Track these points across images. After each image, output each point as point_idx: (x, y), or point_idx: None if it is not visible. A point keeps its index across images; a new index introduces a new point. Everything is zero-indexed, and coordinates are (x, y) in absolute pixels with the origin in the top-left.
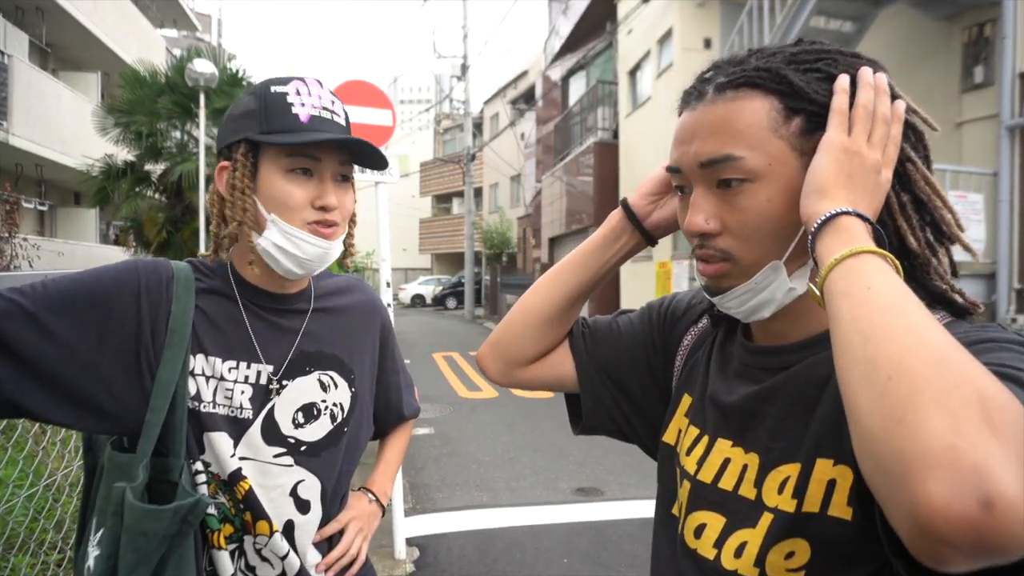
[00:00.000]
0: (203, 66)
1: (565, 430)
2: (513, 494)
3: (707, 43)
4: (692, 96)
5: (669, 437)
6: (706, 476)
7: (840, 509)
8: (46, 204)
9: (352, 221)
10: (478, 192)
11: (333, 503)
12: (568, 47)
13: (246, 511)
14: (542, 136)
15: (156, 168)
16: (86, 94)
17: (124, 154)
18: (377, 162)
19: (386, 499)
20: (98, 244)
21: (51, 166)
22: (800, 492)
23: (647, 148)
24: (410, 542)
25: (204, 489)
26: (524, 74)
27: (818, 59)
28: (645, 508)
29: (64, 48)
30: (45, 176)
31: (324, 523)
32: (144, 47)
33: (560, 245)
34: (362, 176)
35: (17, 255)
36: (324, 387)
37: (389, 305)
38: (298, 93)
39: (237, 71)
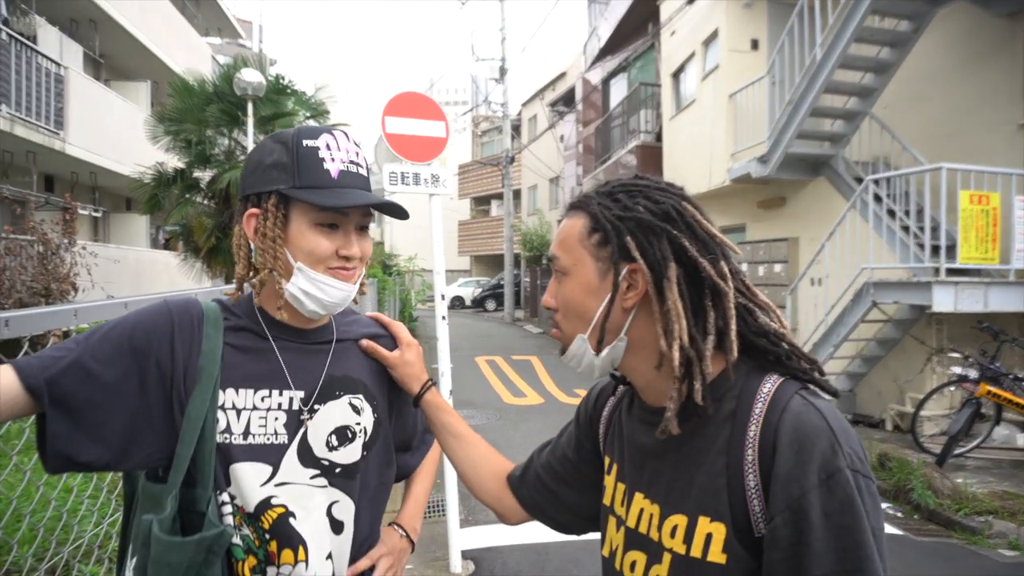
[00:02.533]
0: (251, 75)
1: None
2: None
3: (754, 44)
4: (566, 210)
5: (606, 499)
6: (631, 523)
7: (716, 555)
8: (100, 210)
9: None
10: (516, 194)
11: (365, 526)
12: (608, 49)
13: (271, 540)
14: (582, 138)
15: (204, 175)
16: (136, 103)
17: (174, 161)
18: (399, 214)
19: (416, 535)
20: (149, 249)
21: (104, 173)
22: (688, 540)
23: (691, 151)
24: (465, 555)
25: (230, 520)
26: (563, 76)
27: (629, 191)
28: None
29: (116, 58)
30: (99, 183)
31: (356, 544)
32: (191, 55)
33: None
34: (416, 189)
35: (76, 263)
36: (356, 410)
37: (444, 318)
38: (328, 148)
39: (280, 78)
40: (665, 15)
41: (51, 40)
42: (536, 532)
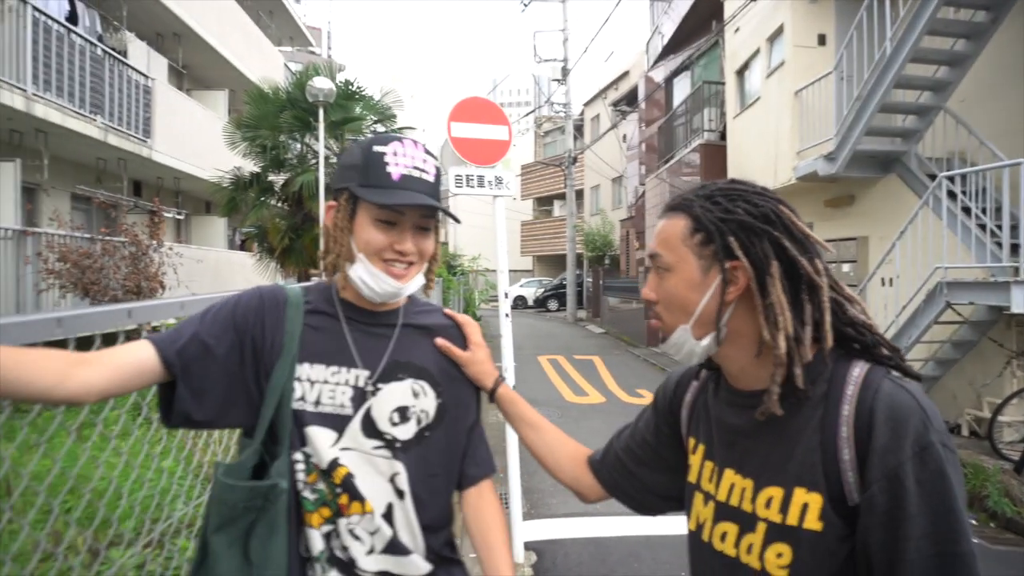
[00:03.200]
0: (322, 83)
1: None
2: None
3: (821, 39)
4: (662, 212)
5: (692, 476)
6: (722, 496)
7: (812, 523)
8: (182, 213)
9: (433, 259)
10: (579, 194)
11: (426, 497)
12: (671, 47)
13: (342, 494)
14: (645, 138)
15: (278, 179)
16: (215, 111)
17: (250, 166)
18: (449, 216)
19: None
20: (227, 250)
21: (186, 178)
22: (784, 510)
23: (757, 149)
24: (528, 546)
25: (303, 476)
26: (625, 75)
27: (729, 195)
28: None
29: (196, 69)
30: (181, 187)
31: (420, 512)
32: (265, 64)
33: None
34: (480, 191)
35: (163, 262)
36: (415, 394)
37: (507, 316)
38: (394, 154)
39: (349, 84)
40: (729, 12)
41: (139, 54)
42: (598, 526)
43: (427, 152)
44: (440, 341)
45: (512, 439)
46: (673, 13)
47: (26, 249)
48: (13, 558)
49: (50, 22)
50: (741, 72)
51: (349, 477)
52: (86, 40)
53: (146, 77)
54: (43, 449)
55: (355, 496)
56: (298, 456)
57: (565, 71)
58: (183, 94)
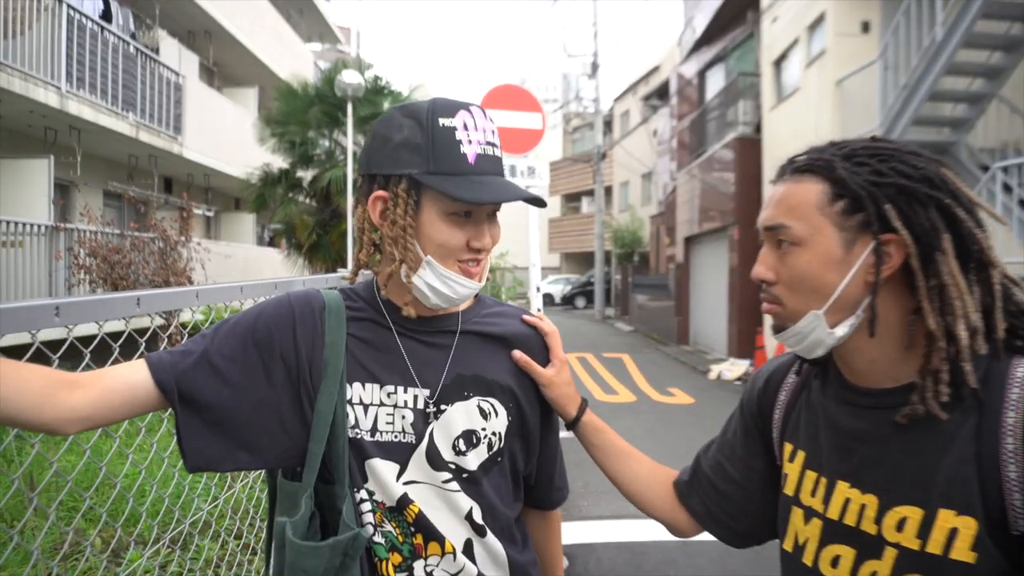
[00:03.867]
0: (351, 77)
1: (709, 438)
2: None
3: (865, 27)
4: (779, 173)
5: (788, 488)
6: (833, 513)
7: (962, 553)
8: (212, 210)
9: None
10: (608, 190)
11: (505, 530)
12: (705, 40)
13: (416, 534)
14: (676, 132)
15: (306, 175)
16: (245, 108)
17: (279, 162)
18: (539, 204)
19: None
20: (255, 246)
21: (216, 175)
22: (923, 534)
23: (795, 142)
24: None
25: (370, 517)
26: (656, 69)
27: (875, 156)
28: None
29: (227, 66)
30: (211, 184)
31: (502, 543)
32: (295, 62)
33: (698, 245)
34: (512, 180)
35: (192, 258)
36: (484, 414)
37: (539, 309)
38: (465, 128)
39: (378, 79)
40: (766, 1)
41: (171, 51)
42: (631, 530)
43: (490, 119)
44: (518, 355)
45: None
46: (706, 5)
47: (58, 244)
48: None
49: (84, 20)
50: (778, 63)
51: (422, 515)
52: (119, 38)
53: (177, 74)
54: (68, 444)
55: (432, 536)
56: (362, 494)
57: (595, 65)
58: (213, 91)
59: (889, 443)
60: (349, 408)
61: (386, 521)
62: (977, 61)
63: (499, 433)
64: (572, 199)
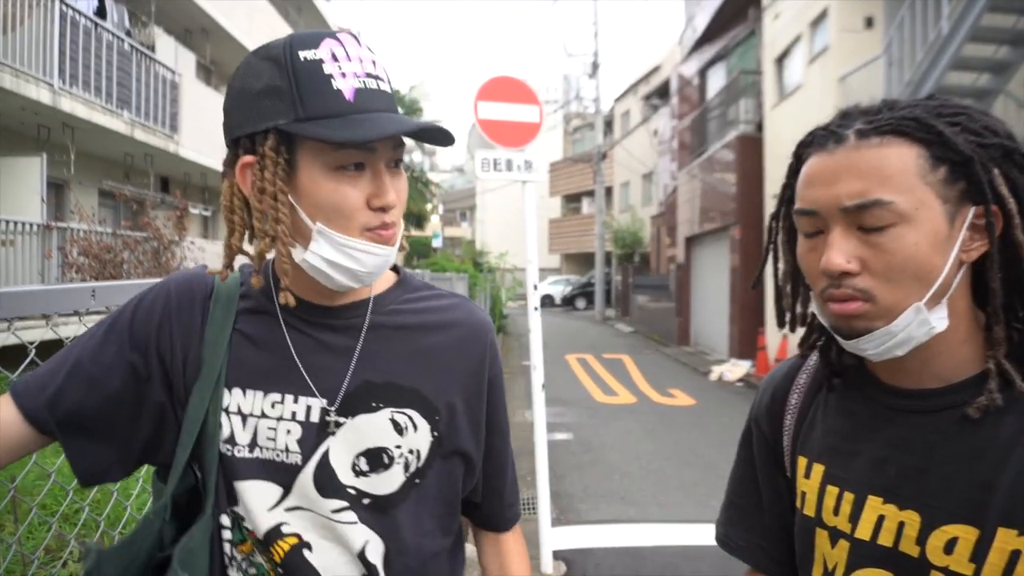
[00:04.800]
0: None
1: (710, 440)
2: (662, 509)
3: (868, 22)
4: (826, 139)
5: (807, 508)
6: (864, 533)
7: None
8: (209, 210)
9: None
10: (608, 191)
11: (410, 567)
12: (706, 38)
13: None
14: (676, 132)
15: None
16: None
17: None
18: (442, 140)
19: None
20: (251, 245)
21: (213, 174)
22: (978, 557)
23: (796, 140)
24: (556, 555)
25: (229, 548)
26: (657, 69)
27: (958, 114)
28: None
29: (224, 65)
30: (208, 184)
31: None
32: None
33: (699, 245)
34: (508, 175)
35: (186, 256)
36: (400, 429)
37: (536, 309)
38: (335, 58)
39: None
40: None
41: (167, 49)
42: (631, 534)
43: (368, 48)
44: None
45: (541, 439)
46: (707, 3)
47: (50, 243)
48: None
49: (78, 16)
50: (780, 60)
51: (297, 551)
52: (114, 35)
53: (173, 72)
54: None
55: None
56: (225, 520)
57: (595, 65)
58: (211, 89)
59: (935, 452)
60: (224, 417)
61: (256, 552)
62: (983, 56)
63: (418, 451)
64: (572, 200)
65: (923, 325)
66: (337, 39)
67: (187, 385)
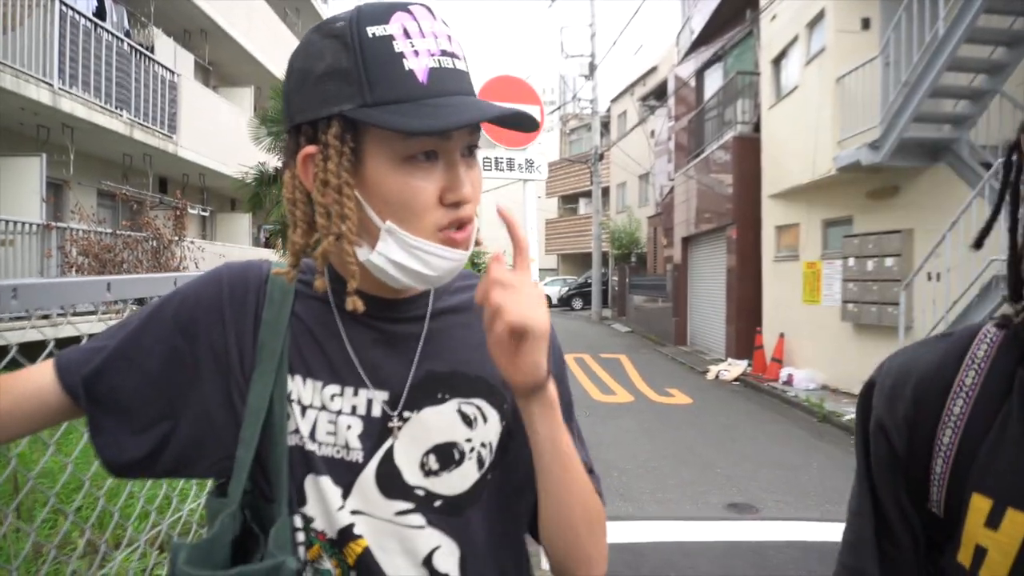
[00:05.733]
0: None
1: (707, 439)
2: (660, 506)
3: (865, 23)
4: None
5: (964, 556)
6: None
7: None
8: (208, 210)
9: None
10: (605, 192)
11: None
12: (702, 39)
13: None
14: (673, 132)
15: None
16: (241, 107)
17: (275, 162)
18: (528, 125)
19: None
20: (251, 246)
21: (211, 174)
22: None
23: (794, 140)
24: None
25: (302, 551)
26: (654, 70)
27: None
28: (807, 531)
29: (223, 65)
30: (207, 184)
31: None
32: None
33: (695, 245)
34: (509, 174)
35: (185, 256)
36: (469, 421)
37: None
38: (407, 35)
39: None
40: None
41: (166, 49)
42: (630, 531)
43: (444, 21)
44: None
45: None
46: (704, 5)
47: (50, 243)
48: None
49: (78, 17)
50: (778, 61)
51: (370, 556)
52: (113, 35)
53: (172, 73)
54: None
55: None
56: (297, 521)
57: (592, 66)
58: (209, 90)
59: None
60: (289, 406)
61: (324, 557)
62: (980, 57)
63: (490, 444)
64: (569, 200)
65: None
66: (409, 11)
67: (246, 375)
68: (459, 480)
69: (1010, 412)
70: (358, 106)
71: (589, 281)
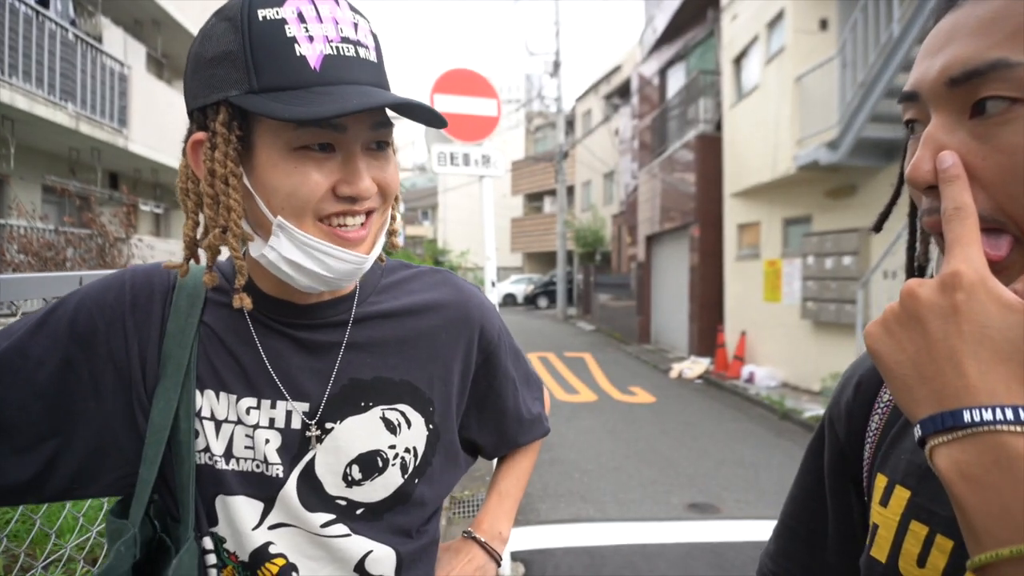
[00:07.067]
0: None
1: (670, 438)
2: (621, 508)
3: (823, 24)
4: (942, 5)
5: (879, 551)
6: None
7: None
8: (161, 207)
9: (396, 201)
10: (570, 190)
11: (415, 572)
12: (665, 38)
13: None
14: (637, 132)
15: None
16: None
17: None
18: (430, 119)
19: (502, 543)
20: None
21: (165, 170)
22: None
23: (755, 139)
24: (515, 557)
25: (214, 574)
26: (618, 69)
27: None
28: (766, 530)
29: (177, 58)
30: (160, 180)
31: None
32: None
33: (659, 243)
34: (465, 170)
35: (133, 255)
36: (392, 427)
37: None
38: (301, 18)
39: None
40: None
41: (115, 40)
42: (590, 534)
43: (352, 8)
44: None
45: None
46: (667, 3)
47: None
48: None
49: (17, 3)
50: (738, 60)
51: (288, 573)
52: (57, 24)
53: (122, 65)
54: None
55: None
56: (207, 543)
57: (557, 64)
58: (163, 83)
59: None
60: (197, 423)
61: None
62: None
63: (414, 448)
64: (534, 199)
65: None
66: None
67: (148, 389)
68: (382, 488)
69: None
70: (244, 92)
71: (554, 280)
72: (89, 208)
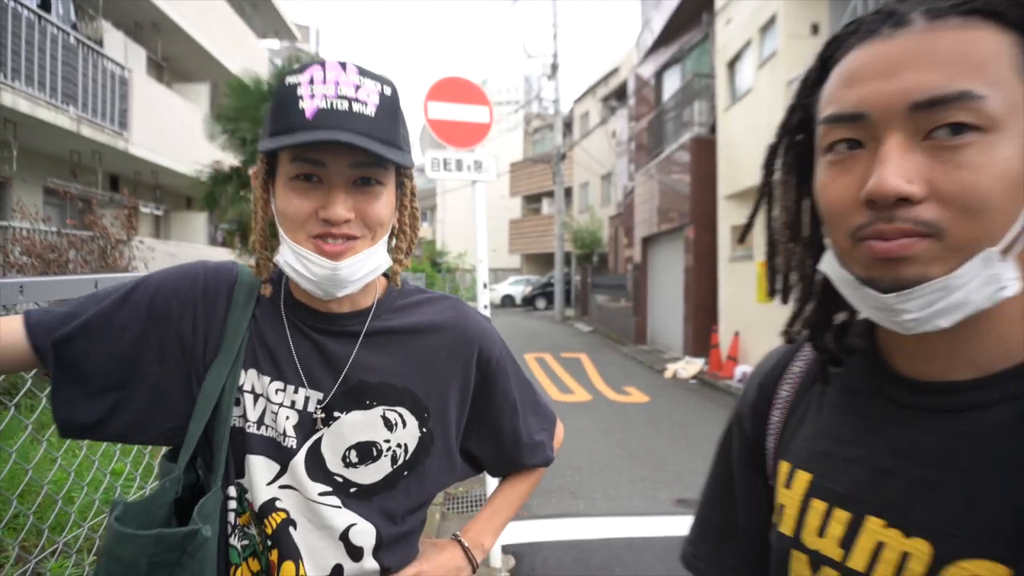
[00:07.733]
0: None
1: (663, 437)
2: (610, 503)
3: (815, 29)
4: (879, 23)
5: (785, 525)
6: (858, 563)
7: None
8: (161, 209)
9: (402, 231)
10: (568, 192)
11: (393, 553)
12: (661, 41)
13: (272, 548)
14: (634, 133)
15: None
16: (196, 104)
17: (231, 160)
18: (385, 160)
19: (482, 553)
20: (206, 246)
21: (165, 172)
22: None
23: (748, 143)
24: (505, 550)
25: (233, 518)
26: (615, 71)
27: None
28: None
29: (177, 61)
30: (160, 182)
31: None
32: (248, 57)
33: (655, 245)
34: (458, 175)
35: (135, 256)
36: (390, 425)
37: (485, 307)
38: (311, 82)
39: None
40: (720, 2)
41: (116, 43)
42: (579, 528)
43: (366, 74)
44: None
45: None
46: (663, 7)
47: None
48: None
49: (20, 8)
50: (732, 64)
51: (284, 526)
52: (59, 28)
53: (123, 68)
54: None
55: (287, 554)
56: (232, 491)
57: (555, 66)
58: (163, 86)
59: (959, 463)
60: (239, 395)
61: (252, 524)
62: None
63: (405, 445)
64: (532, 200)
65: (990, 284)
66: (324, 66)
67: (206, 363)
68: (374, 472)
69: (814, 395)
70: (268, 135)
71: (552, 281)
72: (91, 210)
